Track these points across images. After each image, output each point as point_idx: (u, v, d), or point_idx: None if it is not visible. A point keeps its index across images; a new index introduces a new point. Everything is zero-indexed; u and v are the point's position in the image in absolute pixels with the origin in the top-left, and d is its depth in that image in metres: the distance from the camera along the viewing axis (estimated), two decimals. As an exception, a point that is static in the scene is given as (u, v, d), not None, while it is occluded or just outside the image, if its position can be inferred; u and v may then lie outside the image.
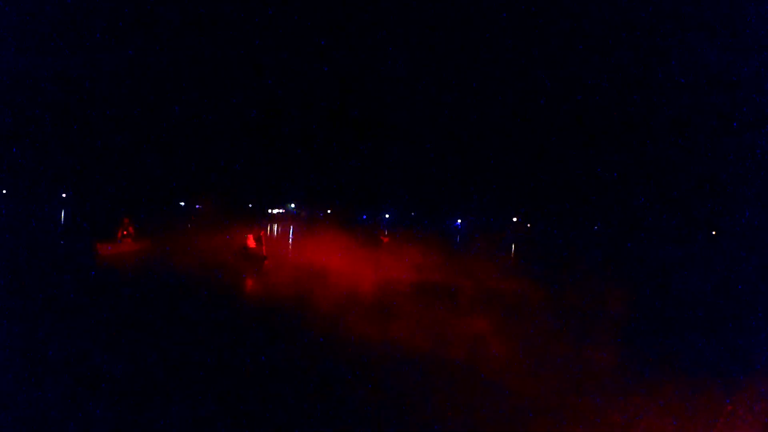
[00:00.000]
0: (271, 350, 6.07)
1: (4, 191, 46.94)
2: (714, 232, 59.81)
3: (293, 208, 72.46)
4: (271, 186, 67.36)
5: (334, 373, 5.40)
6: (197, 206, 60.52)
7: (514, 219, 69.94)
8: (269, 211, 65.64)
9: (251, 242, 13.61)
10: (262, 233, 14.00)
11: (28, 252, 12.99)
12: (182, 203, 62.43)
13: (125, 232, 14.91)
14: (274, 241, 14.43)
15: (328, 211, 69.65)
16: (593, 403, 5.04)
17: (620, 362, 6.58)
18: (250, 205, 59.20)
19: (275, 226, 38.38)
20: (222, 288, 10.13)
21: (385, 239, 22.32)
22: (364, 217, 72.51)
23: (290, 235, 30.73)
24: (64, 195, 55.63)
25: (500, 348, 6.80)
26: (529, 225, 69.55)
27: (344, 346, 6.40)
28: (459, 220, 71.47)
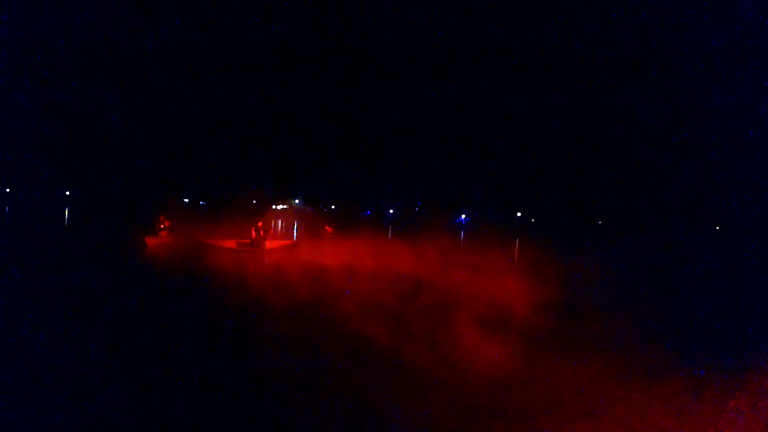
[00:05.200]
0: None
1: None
2: (717, 227, 60.64)
3: (297, 204, 71.96)
4: (276, 182, 66.85)
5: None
6: (201, 203, 59.81)
7: (518, 214, 70.21)
8: (273, 206, 65.03)
9: (252, 233, 17.39)
10: (260, 225, 17.54)
11: (90, 244, 16.87)
12: (186, 200, 61.54)
13: (162, 226, 17.32)
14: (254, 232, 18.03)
15: (332, 207, 69.14)
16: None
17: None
18: (254, 201, 58.56)
19: (262, 221, 38.90)
20: (235, 267, 13.76)
21: (330, 229, 26.26)
22: (368, 212, 72.07)
23: (273, 229, 33.73)
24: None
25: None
26: (533, 220, 69.88)
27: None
28: (463, 215, 71.35)
